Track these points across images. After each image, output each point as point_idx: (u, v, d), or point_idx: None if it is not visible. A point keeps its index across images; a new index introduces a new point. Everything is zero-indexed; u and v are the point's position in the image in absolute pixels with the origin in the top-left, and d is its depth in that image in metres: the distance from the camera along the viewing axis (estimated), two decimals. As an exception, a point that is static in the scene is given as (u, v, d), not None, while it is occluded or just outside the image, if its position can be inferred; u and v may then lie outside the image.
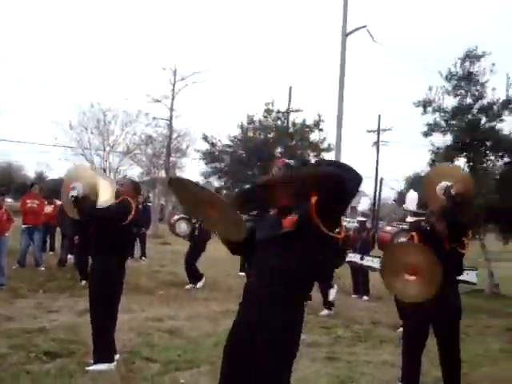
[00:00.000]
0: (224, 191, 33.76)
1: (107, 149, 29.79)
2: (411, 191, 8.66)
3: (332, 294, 9.35)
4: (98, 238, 5.66)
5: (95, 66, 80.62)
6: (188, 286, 11.02)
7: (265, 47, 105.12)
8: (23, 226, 12.29)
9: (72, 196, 5.50)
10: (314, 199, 3.07)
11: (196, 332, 7.22)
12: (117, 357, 5.55)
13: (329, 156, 31.15)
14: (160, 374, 5.32)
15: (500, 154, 12.43)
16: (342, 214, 3.29)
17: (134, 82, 75.91)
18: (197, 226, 11.06)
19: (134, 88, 73.97)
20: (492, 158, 12.56)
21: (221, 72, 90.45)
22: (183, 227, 11.46)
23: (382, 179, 39.48)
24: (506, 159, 12.43)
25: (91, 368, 5.31)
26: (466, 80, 12.54)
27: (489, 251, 12.85)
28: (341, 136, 19.80)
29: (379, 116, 40.14)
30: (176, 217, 11.89)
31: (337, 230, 3.17)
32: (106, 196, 5.63)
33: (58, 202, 14.43)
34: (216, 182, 32.48)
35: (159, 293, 10.23)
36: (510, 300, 11.69)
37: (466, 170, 12.44)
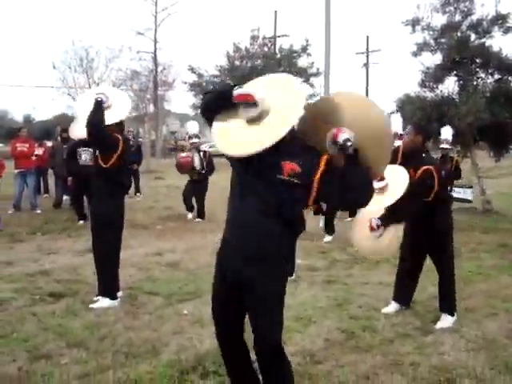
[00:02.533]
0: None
1: (93, 86, 29.34)
2: (395, 113, 8.60)
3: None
4: (95, 176, 5.67)
5: (73, 2, 78.17)
6: (197, 220, 11.27)
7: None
8: (16, 171, 12.25)
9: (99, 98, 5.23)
10: (324, 161, 2.92)
11: (195, 264, 7.36)
12: (120, 294, 5.67)
13: (317, 81, 30.85)
14: (163, 307, 5.45)
15: (490, 71, 12.29)
16: None
17: (116, 16, 74.03)
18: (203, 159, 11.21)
19: (115, 22, 72.16)
20: (482, 75, 12.42)
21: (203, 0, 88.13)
22: (197, 162, 11.38)
23: (372, 101, 39.19)
24: (497, 76, 12.30)
25: (95, 305, 5.43)
26: (454, -4, 12.26)
27: (480, 168, 12.92)
28: (329, 60, 19.40)
29: (367, 37, 39.50)
30: (184, 154, 11.68)
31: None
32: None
33: (48, 144, 14.37)
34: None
35: (157, 227, 10.36)
36: (503, 216, 11.86)
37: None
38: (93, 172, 5.73)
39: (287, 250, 3.08)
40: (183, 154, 11.53)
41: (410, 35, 12.69)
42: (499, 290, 6.26)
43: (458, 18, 12.37)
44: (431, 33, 12.49)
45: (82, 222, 10.49)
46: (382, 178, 4.81)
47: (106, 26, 69.71)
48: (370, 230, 5.00)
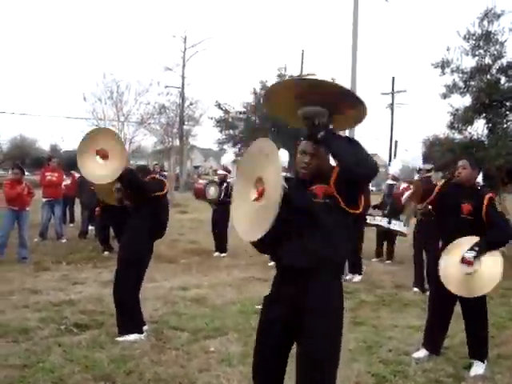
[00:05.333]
0: (239, 158, 33.82)
1: (121, 119, 29.70)
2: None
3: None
4: (132, 211, 5.69)
5: (106, 35, 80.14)
6: (219, 254, 11.13)
7: (276, 10, 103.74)
8: (44, 200, 12.35)
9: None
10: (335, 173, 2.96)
11: (221, 300, 7.28)
12: (145, 327, 5.61)
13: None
14: (190, 343, 5.37)
15: (520, 114, 12.22)
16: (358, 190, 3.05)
17: (145, 51, 75.53)
18: (223, 190, 11.04)
19: (145, 57, 73.51)
20: (512, 118, 12.35)
21: (232, 37, 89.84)
22: (212, 191, 11.32)
23: (396, 142, 39.21)
24: (526, 119, 12.21)
25: (121, 338, 5.37)
26: (484, 40, 12.26)
27: (510, 213, 12.72)
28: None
29: (393, 78, 39.73)
30: (202, 181, 11.77)
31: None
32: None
33: (77, 175, 14.51)
34: (231, 149, 32.46)
35: (181, 261, 10.32)
36: (532, 261, 11.60)
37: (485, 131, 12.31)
38: (130, 208, 5.77)
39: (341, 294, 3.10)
40: (200, 181, 11.67)
41: (436, 77, 12.72)
42: (533, 338, 6.07)
43: (488, 60, 12.35)
44: (461, 75, 12.49)
45: (106, 253, 10.51)
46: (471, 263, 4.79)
47: (136, 61, 70.93)
48: (465, 265, 4.84)
